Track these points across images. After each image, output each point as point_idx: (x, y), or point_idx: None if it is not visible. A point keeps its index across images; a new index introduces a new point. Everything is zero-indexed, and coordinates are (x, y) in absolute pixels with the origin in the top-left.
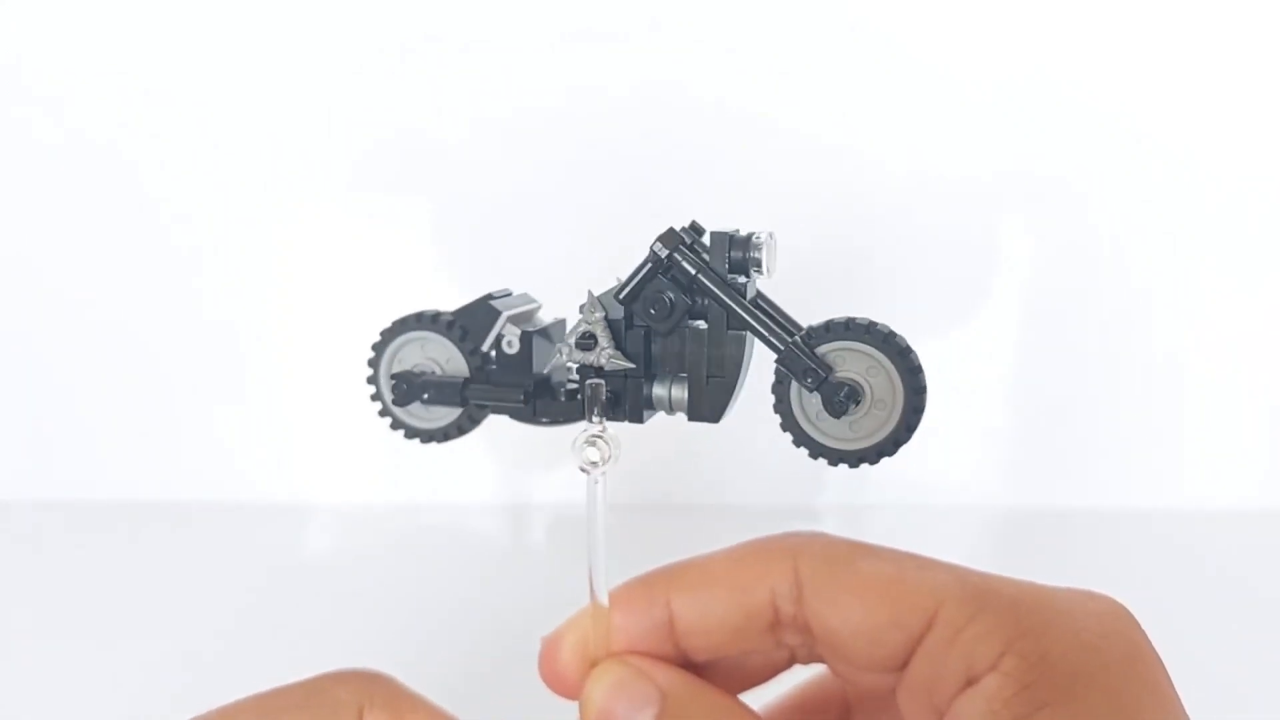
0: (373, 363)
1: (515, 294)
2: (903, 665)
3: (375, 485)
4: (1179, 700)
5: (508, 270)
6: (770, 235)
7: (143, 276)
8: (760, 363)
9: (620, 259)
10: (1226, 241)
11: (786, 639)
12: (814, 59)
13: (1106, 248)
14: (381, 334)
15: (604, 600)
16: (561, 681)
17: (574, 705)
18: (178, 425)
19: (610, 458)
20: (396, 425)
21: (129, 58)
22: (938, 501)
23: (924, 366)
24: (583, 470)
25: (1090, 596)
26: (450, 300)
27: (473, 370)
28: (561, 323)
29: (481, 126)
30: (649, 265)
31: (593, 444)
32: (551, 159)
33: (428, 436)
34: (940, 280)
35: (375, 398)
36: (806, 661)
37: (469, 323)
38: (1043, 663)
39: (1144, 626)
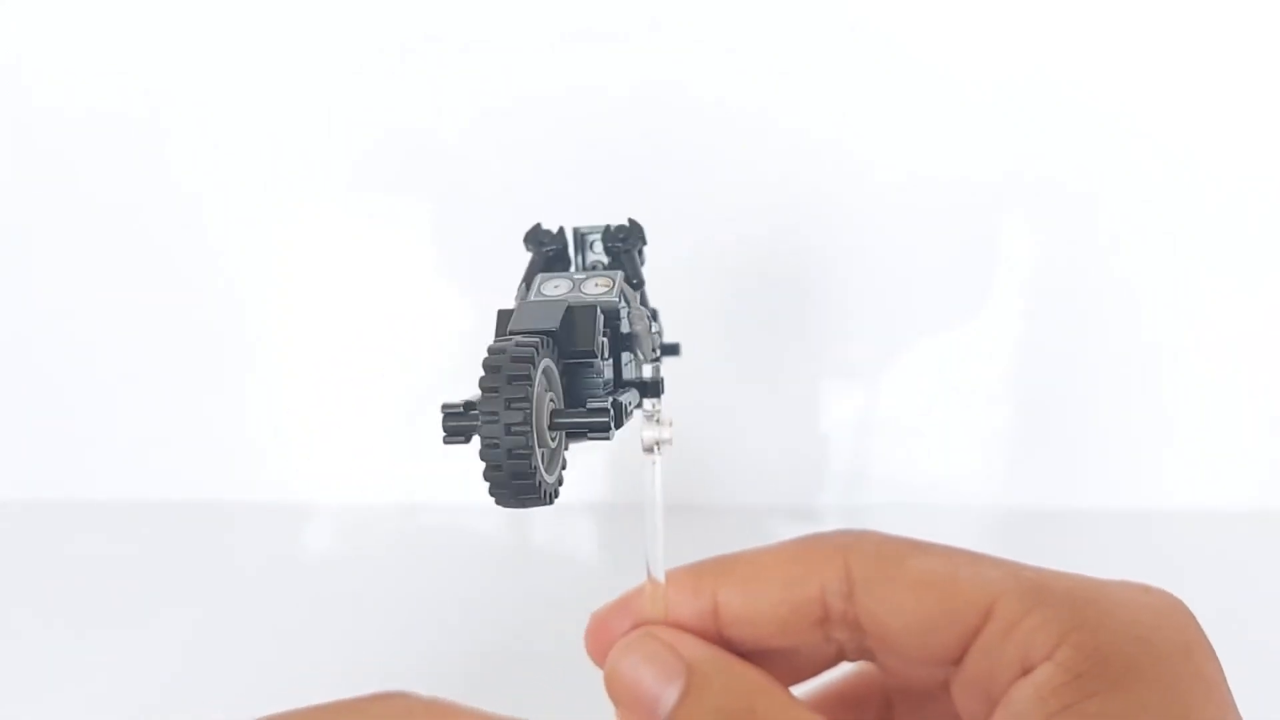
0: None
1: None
2: (957, 659)
3: (375, 485)
4: (1231, 696)
5: (508, 270)
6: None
7: (142, 276)
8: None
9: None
10: (1226, 241)
11: (835, 634)
12: (814, 59)
13: (1107, 248)
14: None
15: (660, 577)
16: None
17: (565, 693)
18: (177, 425)
19: (670, 438)
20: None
21: (128, 58)
22: (938, 501)
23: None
24: (650, 451)
25: (1146, 590)
26: (447, 300)
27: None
28: None
29: (481, 126)
30: (641, 250)
31: (659, 422)
32: (552, 159)
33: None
34: (940, 280)
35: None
36: (855, 658)
37: (579, 334)
38: (1096, 654)
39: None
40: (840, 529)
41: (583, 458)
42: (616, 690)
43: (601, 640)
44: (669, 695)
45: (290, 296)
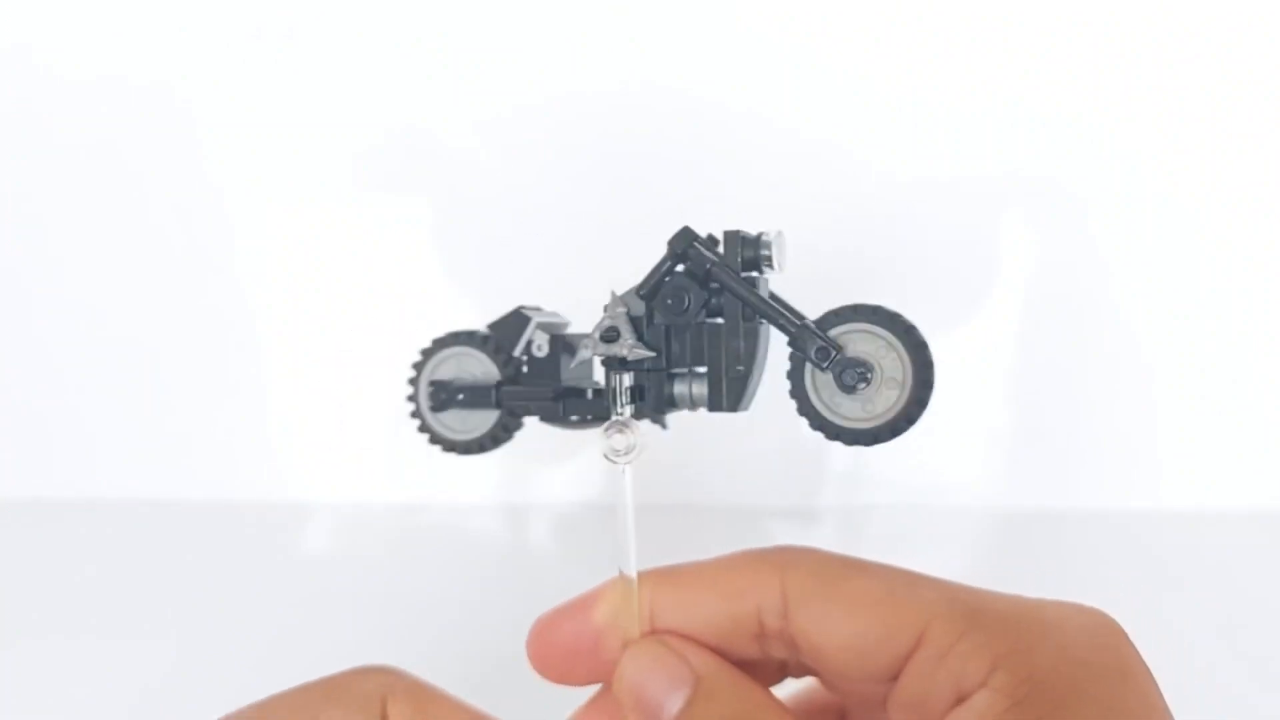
0: (413, 379)
1: (545, 309)
2: (893, 677)
3: (375, 485)
4: (1169, 712)
5: (509, 271)
6: (779, 233)
7: (142, 276)
8: (776, 357)
9: (621, 258)
10: (1225, 243)
11: (773, 652)
12: (813, 60)
13: (1107, 247)
14: (421, 352)
15: (633, 579)
16: (563, 659)
17: (565, 693)
18: (178, 425)
19: (636, 446)
20: (434, 439)
21: (128, 56)
22: (937, 502)
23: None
24: (609, 459)
25: (1080, 610)
26: (453, 302)
27: (506, 378)
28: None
29: (481, 127)
30: (666, 260)
31: (619, 431)
32: (552, 159)
33: (464, 448)
34: (940, 280)
35: (414, 414)
36: (798, 674)
37: (503, 333)
38: (1032, 678)
39: (1142, 630)
40: (782, 545)
41: (580, 458)
42: (622, 691)
43: (544, 644)
44: (673, 702)
45: (290, 295)
